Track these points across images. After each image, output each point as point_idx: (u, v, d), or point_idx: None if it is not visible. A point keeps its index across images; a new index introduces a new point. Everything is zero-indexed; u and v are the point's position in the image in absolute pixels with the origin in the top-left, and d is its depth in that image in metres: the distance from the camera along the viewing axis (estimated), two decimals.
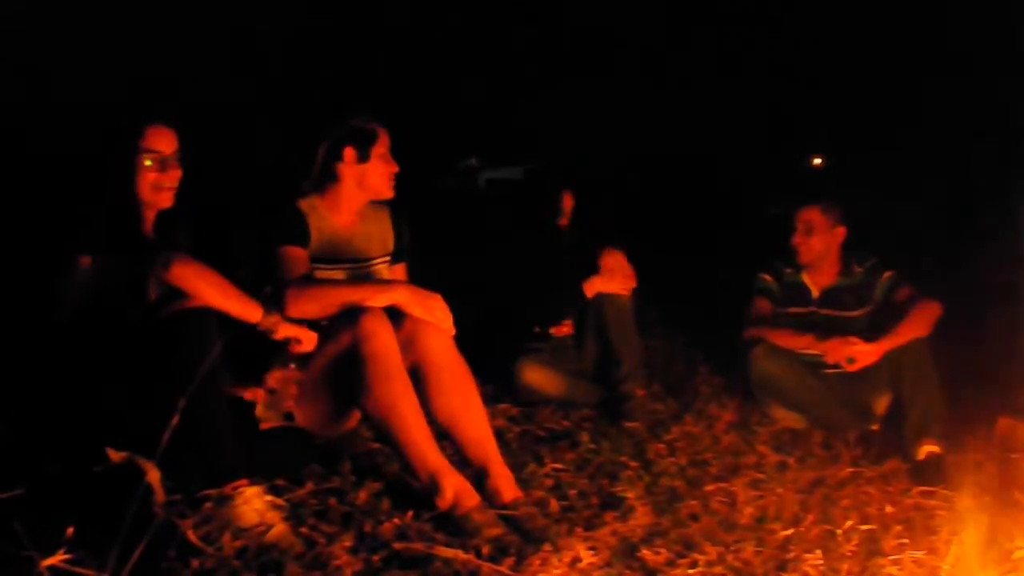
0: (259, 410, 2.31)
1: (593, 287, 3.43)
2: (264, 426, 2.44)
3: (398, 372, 2.32)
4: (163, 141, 2.32)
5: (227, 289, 2.19)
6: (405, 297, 2.46)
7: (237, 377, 2.31)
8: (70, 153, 2.46)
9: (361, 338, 2.32)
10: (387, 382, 2.29)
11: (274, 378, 2.32)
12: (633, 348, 3.41)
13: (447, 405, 2.42)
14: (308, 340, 2.34)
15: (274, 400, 2.32)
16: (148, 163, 2.29)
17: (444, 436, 2.42)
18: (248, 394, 2.36)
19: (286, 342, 2.30)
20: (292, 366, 2.32)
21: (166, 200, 2.34)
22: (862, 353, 3.21)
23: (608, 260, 3.44)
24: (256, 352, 2.30)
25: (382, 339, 2.33)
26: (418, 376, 2.42)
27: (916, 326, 3.19)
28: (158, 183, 2.31)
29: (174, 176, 2.34)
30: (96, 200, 2.24)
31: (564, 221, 3.67)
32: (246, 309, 2.22)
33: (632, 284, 3.45)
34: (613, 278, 3.42)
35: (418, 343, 2.44)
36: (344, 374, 2.35)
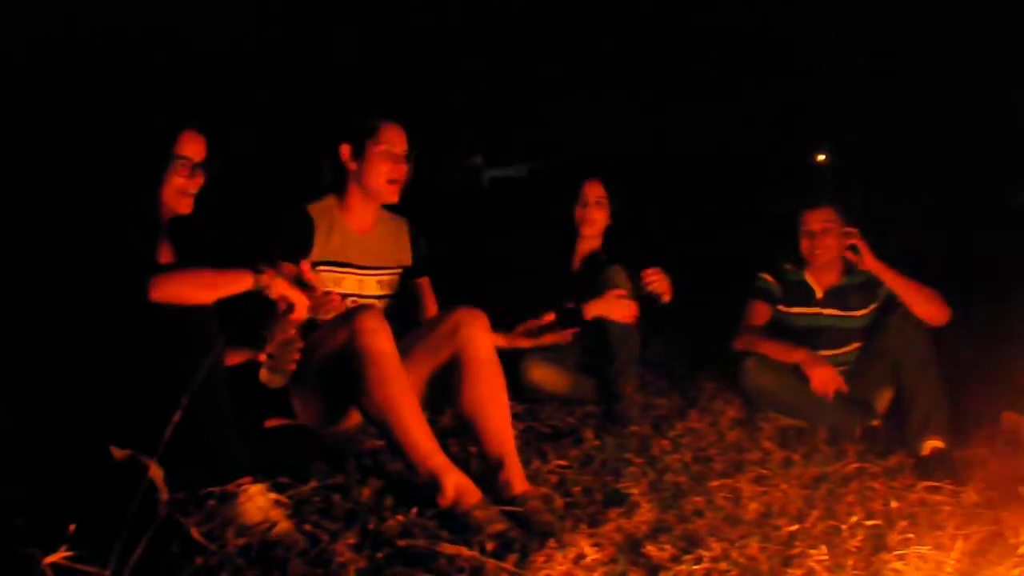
0: (263, 374, 2.28)
1: (593, 311, 3.33)
2: (268, 423, 2.44)
3: (396, 371, 2.31)
4: (195, 147, 2.32)
5: (211, 278, 2.16)
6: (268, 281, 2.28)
7: (237, 344, 2.29)
8: (94, 150, 2.46)
9: (358, 336, 2.31)
10: (385, 382, 2.28)
11: (274, 341, 2.30)
12: (628, 345, 3.35)
13: (477, 397, 2.43)
14: (300, 305, 2.29)
15: (277, 363, 2.30)
16: (178, 169, 2.29)
17: (462, 430, 2.47)
18: (253, 355, 2.34)
19: (282, 307, 2.27)
20: (292, 331, 2.29)
21: (186, 206, 2.34)
22: (861, 263, 3.28)
23: (612, 292, 3.34)
24: (255, 320, 2.28)
25: (380, 337, 2.32)
26: (455, 366, 2.46)
27: (918, 291, 3.23)
28: (183, 189, 2.31)
29: (198, 183, 2.34)
30: (118, 200, 2.25)
31: (590, 214, 3.56)
32: (236, 282, 2.19)
33: (632, 315, 3.33)
34: (613, 308, 3.32)
35: (461, 334, 2.47)
36: (342, 372, 2.34)
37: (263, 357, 2.32)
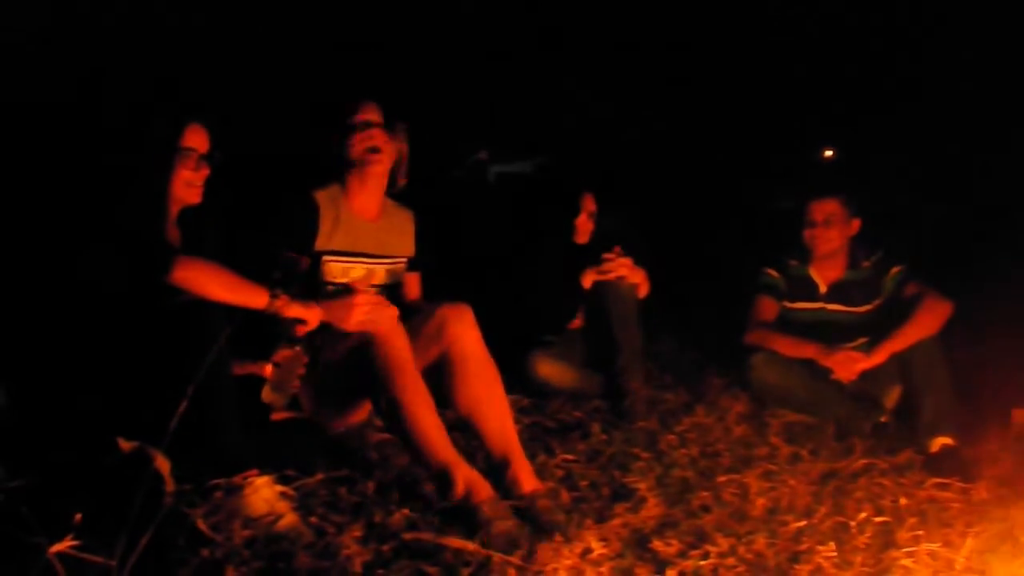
0: (265, 393, 2.29)
1: (589, 278, 3.44)
2: (275, 416, 2.43)
3: (410, 369, 2.31)
4: (199, 139, 2.35)
5: (231, 281, 2.20)
6: (319, 316, 2.36)
7: (243, 356, 2.30)
8: (101, 147, 2.47)
9: (377, 336, 2.31)
10: (400, 379, 2.28)
11: (280, 358, 2.31)
12: (632, 338, 3.37)
13: (471, 395, 2.42)
14: (313, 319, 2.32)
15: (280, 381, 2.31)
16: (184, 161, 2.31)
17: (465, 427, 2.43)
18: (257, 369, 2.35)
19: (291, 322, 2.29)
20: (298, 348, 2.31)
21: (195, 196, 2.37)
22: (864, 363, 3.16)
23: (608, 256, 3.43)
24: (261, 332, 2.29)
25: (398, 338, 2.33)
26: (445, 365, 2.44)
27: (921, 327, 3.12)
28: (191, 181, 2.34)
29: (204, 174, 2.36)
30: (124, 195, 2.26)
31: (584, 224, 3.64)
32: (252, 297, 2.23)
33: (636, 279, 3.43)
34: (611, 270, 3.40)
35: (447, 332, 2.45)
36: (357, 369, 2.34)
37: (267, 371, 2.33)
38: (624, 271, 3.41)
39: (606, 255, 3.43)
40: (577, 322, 3.59)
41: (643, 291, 3.48)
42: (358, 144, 2.70)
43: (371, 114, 2.72)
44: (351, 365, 2.37)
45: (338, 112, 2.72)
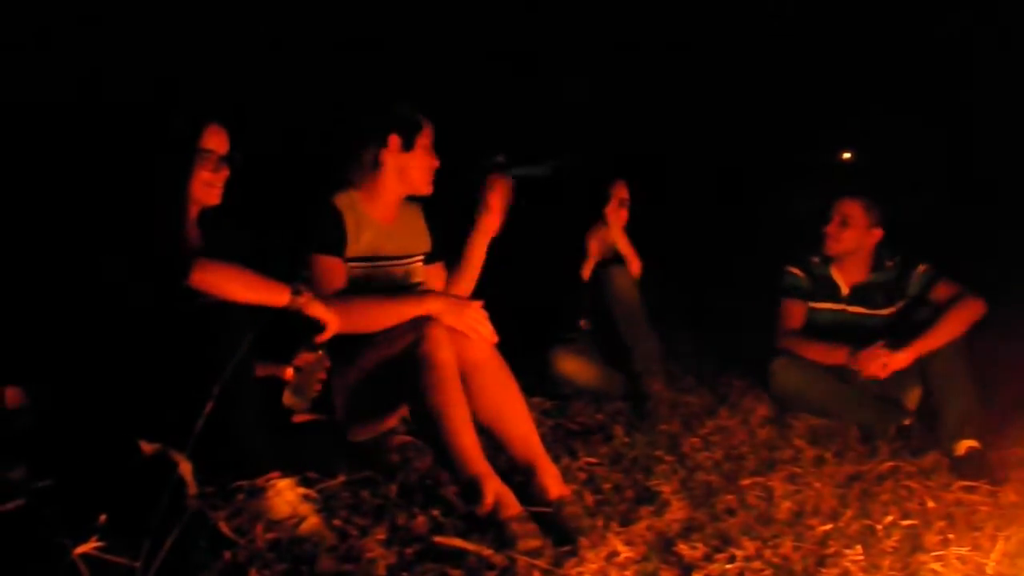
0: (286, 397, 2.29)
1: (588, 268, 3.43)
2: (297, 419, 2.43)
3: (455, 379, 2.29)
4: (218, 141, 2.33)
5: (252, 281, 2.17)
6: (439, 308, 2.42)
7: (264, 358, 2.29)
8: (119, 149, 2.47)
9: (423, 343, 2.29)
10: (444, 388, 2.25)
11: (301, 362, 2.30)
12: (643, 336, 3.33)
13: (489, 404, 2.37)
14: (332, 325, 2.30)
15: (301, 385, 2.30)
16: (203, 162, 2.30)
17: (488, 437, 2.38)
18: (278, 371, 2.34)
19: (312, 325, 2.28)
20: (320, 352, 2.30)
21: (215, 198, 2.35)
22: (894, 362, 3.11)
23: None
24: (283, 333, 2.28)
25: (443, 349, 2.30)
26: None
27: (950, 328, 3.04)
28: (210, 182, 2.33)
29: (223, 175, 2.35)
30: (143, 197, 2.25)
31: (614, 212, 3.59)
32: (273, 295, 2.20)
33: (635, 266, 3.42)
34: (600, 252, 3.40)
35: (454, 343, 2.39)
36: (395, 376, 2.32)
37: (288, 374, 2.32)
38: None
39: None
40: (584, 323, 3.57)
41: (635, 268, 3.43)
42: (430, 167, 2.72)
43: (432, 137, 2.74)
44: (391, 374, 2.35)
45: (420, 128, 2.69)
